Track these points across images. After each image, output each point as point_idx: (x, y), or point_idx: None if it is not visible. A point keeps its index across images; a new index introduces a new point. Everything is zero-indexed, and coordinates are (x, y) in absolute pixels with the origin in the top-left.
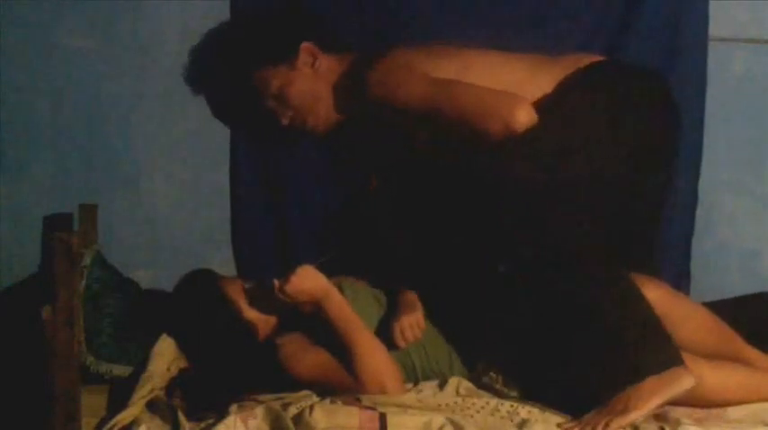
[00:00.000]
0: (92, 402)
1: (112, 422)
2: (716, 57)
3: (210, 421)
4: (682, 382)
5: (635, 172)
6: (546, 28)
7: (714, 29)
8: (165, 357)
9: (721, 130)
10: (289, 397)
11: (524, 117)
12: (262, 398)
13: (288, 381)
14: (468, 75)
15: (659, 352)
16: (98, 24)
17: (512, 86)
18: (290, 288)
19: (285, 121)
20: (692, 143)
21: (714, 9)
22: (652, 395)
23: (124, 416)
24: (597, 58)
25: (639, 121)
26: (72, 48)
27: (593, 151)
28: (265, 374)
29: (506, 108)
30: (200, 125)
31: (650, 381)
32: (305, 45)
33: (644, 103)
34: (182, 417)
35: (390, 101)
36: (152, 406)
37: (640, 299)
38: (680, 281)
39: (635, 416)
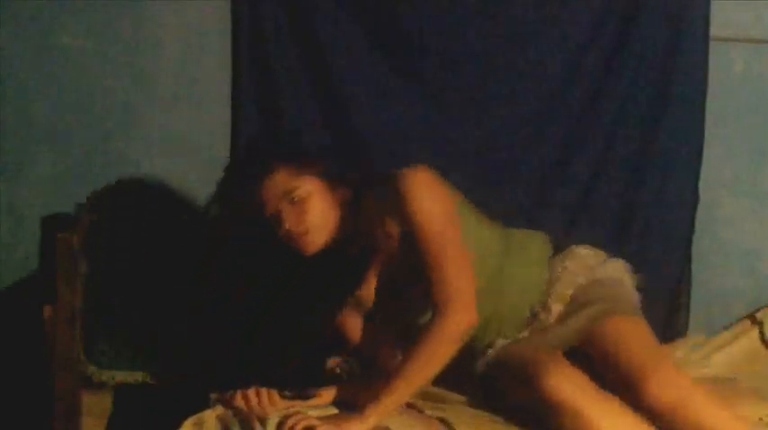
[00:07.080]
0: (93, 402)
1: None
2: (716, 57)
3: None
4: None
5: None
6: (546, 28)
7: (714, 29)
8: None
9: (721, 130)
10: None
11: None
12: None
13: None
14: None
15: None
16: (98, 24)
17: None
18: None
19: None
20: (692, 143)
21: (714, 9)
22: None
23: None
24: None
25: None
26: (72, 48)
27: None
28: None
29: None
30: (201, 125)
31: None
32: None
33: None
34: None
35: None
36: None
37: None
38: (680, 281)
39: None
